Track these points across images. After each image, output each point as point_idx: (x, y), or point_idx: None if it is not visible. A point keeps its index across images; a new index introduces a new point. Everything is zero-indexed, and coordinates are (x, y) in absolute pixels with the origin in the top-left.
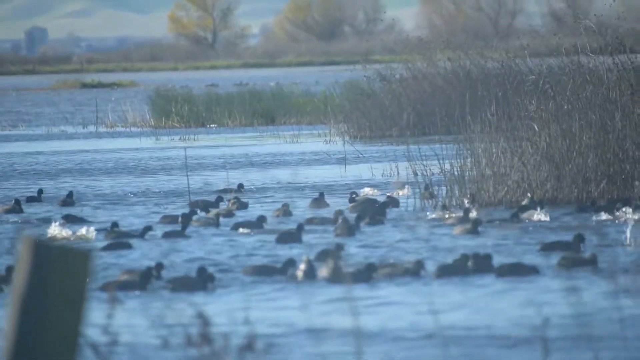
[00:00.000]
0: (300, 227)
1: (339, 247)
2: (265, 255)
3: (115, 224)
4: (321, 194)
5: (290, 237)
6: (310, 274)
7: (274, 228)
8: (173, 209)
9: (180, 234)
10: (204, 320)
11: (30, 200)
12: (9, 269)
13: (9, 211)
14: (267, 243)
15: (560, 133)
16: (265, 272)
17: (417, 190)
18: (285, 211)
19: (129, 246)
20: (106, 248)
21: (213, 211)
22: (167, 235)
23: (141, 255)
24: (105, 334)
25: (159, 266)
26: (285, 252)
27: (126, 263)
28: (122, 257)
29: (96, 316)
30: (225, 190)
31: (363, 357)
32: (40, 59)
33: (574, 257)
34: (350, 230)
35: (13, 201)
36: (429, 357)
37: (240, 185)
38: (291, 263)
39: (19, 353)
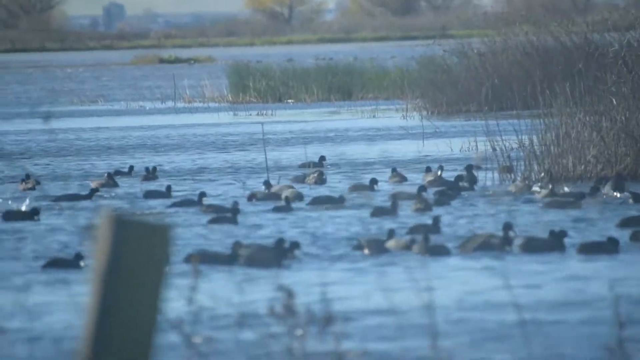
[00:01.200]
0: (395, 204)
1: (436, 219)
2: (362, 230)
3: (203, 194)
4: (394, 169)
5: (384, 211)
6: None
7: (366, 202)
8: (251, 185)
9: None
10: (287, 292)
11: (119, 174)
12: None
13: (103, 185)
14: (362, 218)
15: (639, 107)
16: (375, 245)
17: (496, 164)
18: (365, 187)
19: (233, 221)
20: (212, 221)
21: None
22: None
23: (230, 231)
24: (187, 306)
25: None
26: (380, 226)
27: (216, 238)
28: (215, 232)
29: (179, 289)
30: (305, 164)
31: (436, 330)
32: (117, 34)
33: None
34: (428, 205)
35: (106, 175)
36: (501, 333)
37: (322, 158)
38: (390, 233)
39: (100, 328)
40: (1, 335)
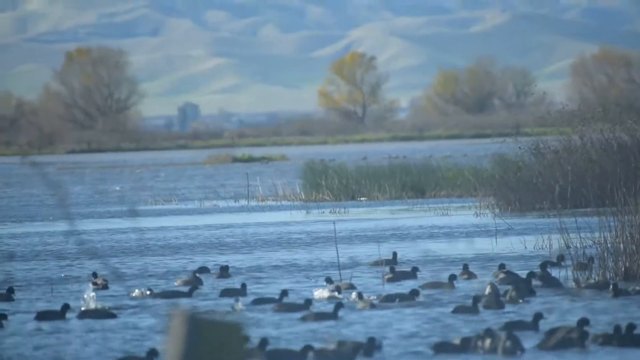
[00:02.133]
0: (476, 300)
1: (537, 316)
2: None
3: (285, 292)
4: (465, 265)
5: (465, 309)
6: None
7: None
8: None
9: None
10: None
11: (203, 270)
12: None
13: (187, 283)
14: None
15: None
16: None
17: (570, 262)
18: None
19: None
20: (303, 319)
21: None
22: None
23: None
24: None
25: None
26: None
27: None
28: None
29: None
30: (378, 262)
31: None
32: (192, 134)
33: None
34: (499, 302)
35: (192, 273)
36: None
37: (395, 254)
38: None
39: None
40: None
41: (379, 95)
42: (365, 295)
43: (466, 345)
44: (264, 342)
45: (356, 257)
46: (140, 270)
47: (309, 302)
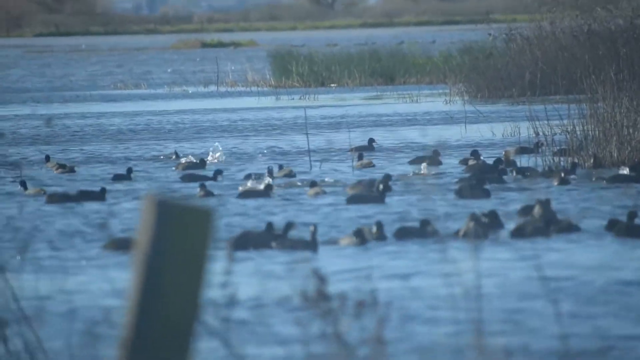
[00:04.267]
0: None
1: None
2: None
3: (249, 176)
4: (435, 151)
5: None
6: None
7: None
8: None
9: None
10: (319, 277)
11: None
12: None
13: (189, 167)
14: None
15: None
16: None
17: (540, 150)
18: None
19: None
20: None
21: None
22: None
23: (263, 213)
24: (223, 291)
25: (289, 225)
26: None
27: (249, 221)
28: (246, 215)
29: (216, 273)
30: (360, 148)
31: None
32: (161, 18)
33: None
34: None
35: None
36: (544, 315)
37: (372, 140)
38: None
39: (141, 313)
40: (43, 315)
41: None
42: (336, 182)
43: (425, 228)
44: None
45: (326, 144)
46: (117, 154)
47: (269, 187)
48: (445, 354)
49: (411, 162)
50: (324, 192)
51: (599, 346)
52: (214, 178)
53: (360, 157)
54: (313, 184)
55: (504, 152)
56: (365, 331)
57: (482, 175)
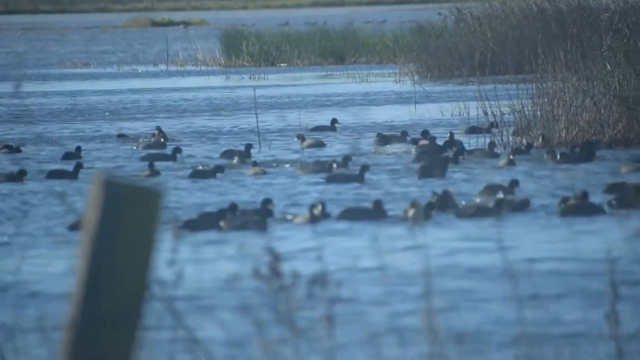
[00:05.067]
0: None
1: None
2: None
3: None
4: (378, 134)
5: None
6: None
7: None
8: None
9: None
10: (272, 254)
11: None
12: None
13: (151, 145)
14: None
15: (634, 72)
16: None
17: (490, 130)
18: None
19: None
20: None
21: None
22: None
23: (211, 194)
24: (171, 272)
25: (233, 206)
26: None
27: (198, 201)
28: (194, 196)
29: (165, 253)
30: (322, 127)
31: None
32: None
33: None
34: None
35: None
36: (495, 294)
37: (334, 121)
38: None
39: (89, 293)
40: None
41: None
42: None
43: (378, 210)
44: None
45: (275, 124)
46: (65, 134)
47: (219, 168)
48: (393, 335)
49: (378, 142)
50: (264, 172)
51: (549, 328)
52: (174, 157)
53: (301, 138)
54: (255, 164)
55: (448, 134)
56: (315, 311)
57: (439, 156)
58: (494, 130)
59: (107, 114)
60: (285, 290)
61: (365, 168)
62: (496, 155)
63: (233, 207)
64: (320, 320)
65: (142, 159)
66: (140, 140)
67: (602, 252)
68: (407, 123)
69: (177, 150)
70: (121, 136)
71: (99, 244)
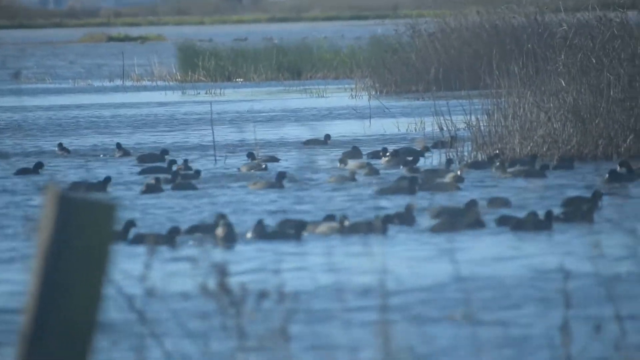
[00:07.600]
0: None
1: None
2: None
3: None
4: (355, 147)
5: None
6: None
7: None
8: (199, 162)
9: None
10: (221, 270)
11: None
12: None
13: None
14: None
15: (588, 88)
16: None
17: (445, 146)
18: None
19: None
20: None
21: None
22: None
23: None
24: (136, 285)
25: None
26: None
27: (149, 218)
28: (146, 212)
29: (124, 268)
30: (314, 141)
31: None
32: (67, 12)
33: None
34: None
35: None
36: (448, 306)
37: (327, 137)
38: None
39: (41, 308)
40: None
41: None
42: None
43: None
44: (129, 223)
45: (231, 137)
46: (29, 149)
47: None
48: (348, 350)
49: (341, 160)
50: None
51: (503, 336)
52: (169, 168)
53: (251, 156)
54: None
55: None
56: (268, 324)
57: (413, 174)
58: (449, 145)
59: (58, 128)
60: (236, 303)
61: (282, 175)
62: (450, 171)
63: (193, 227)
64: (274, 334)
65: (141, 172)
66: (101, 156)
67: (551, 265)
68: (362, 138)
69: (173, 162)
70: (61, 151)
71: (51, 257)
